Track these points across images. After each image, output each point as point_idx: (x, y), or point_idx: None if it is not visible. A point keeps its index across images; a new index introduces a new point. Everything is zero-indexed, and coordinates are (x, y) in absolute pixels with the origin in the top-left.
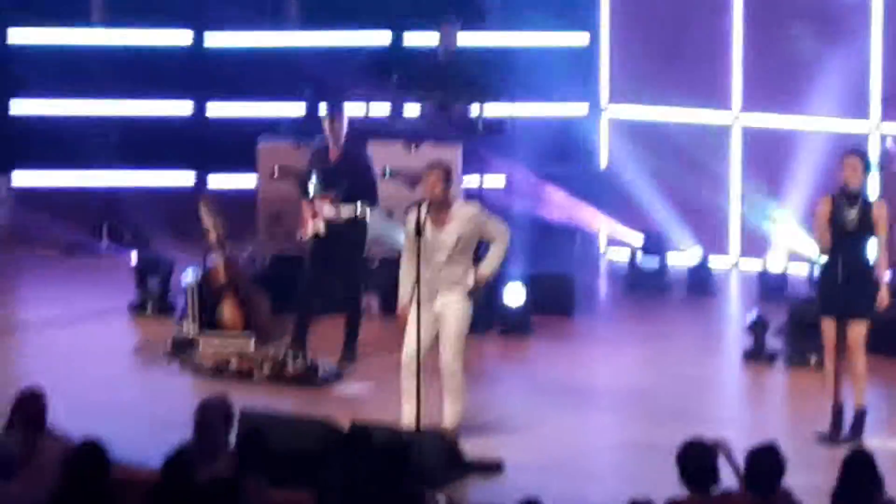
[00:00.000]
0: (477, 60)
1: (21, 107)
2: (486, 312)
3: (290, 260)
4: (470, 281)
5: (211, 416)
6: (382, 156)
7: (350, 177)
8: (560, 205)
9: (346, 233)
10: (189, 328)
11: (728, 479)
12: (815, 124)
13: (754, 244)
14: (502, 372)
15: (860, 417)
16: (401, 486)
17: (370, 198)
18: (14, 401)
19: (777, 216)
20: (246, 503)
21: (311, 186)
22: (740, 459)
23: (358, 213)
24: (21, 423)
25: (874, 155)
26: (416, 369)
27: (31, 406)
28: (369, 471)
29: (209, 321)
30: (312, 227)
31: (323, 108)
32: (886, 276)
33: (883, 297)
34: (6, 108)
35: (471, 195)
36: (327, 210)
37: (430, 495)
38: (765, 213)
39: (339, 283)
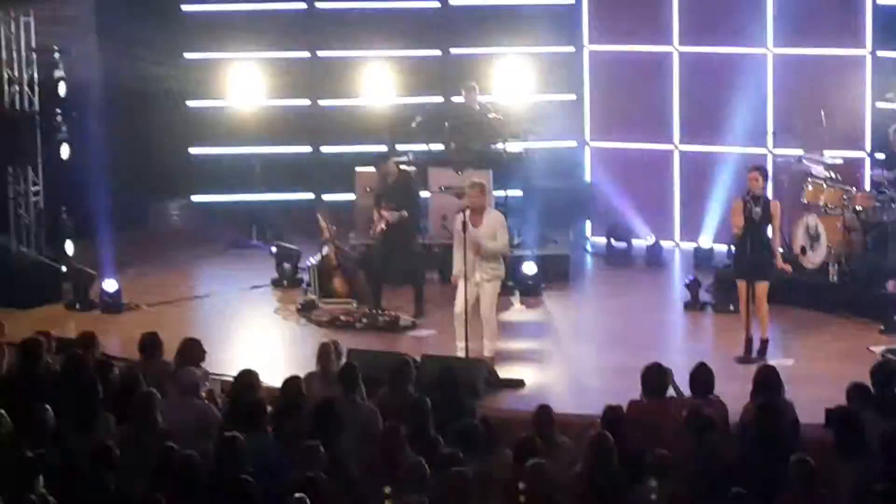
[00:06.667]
0: (501, 113)
1: (198, 151)
2: (512, 280)
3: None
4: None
5: (327, 353)
6: (439, 177)
7: (400, 194)
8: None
9: (398, 230)
10: (312, 295)
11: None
12: (729, 150)
13: (690, 230)
14: (522, 320)
15: (764, 345)
16: (454, 396)
17: (411, 208)
18: (179, 346)
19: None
20: (340, 414)
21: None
22: (682, 380)
23: (404, 217)
24: (182, 363)
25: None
26: (464, 319)
27: (191, 349)
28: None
29: (325, 290)
30: (379, 225)
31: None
32: (780, 250)
33: (779, 265)
34: (188, 152)
35: (498, 204)
36: (387, 215)
37: (471, 402)
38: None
39: (402, 262)
